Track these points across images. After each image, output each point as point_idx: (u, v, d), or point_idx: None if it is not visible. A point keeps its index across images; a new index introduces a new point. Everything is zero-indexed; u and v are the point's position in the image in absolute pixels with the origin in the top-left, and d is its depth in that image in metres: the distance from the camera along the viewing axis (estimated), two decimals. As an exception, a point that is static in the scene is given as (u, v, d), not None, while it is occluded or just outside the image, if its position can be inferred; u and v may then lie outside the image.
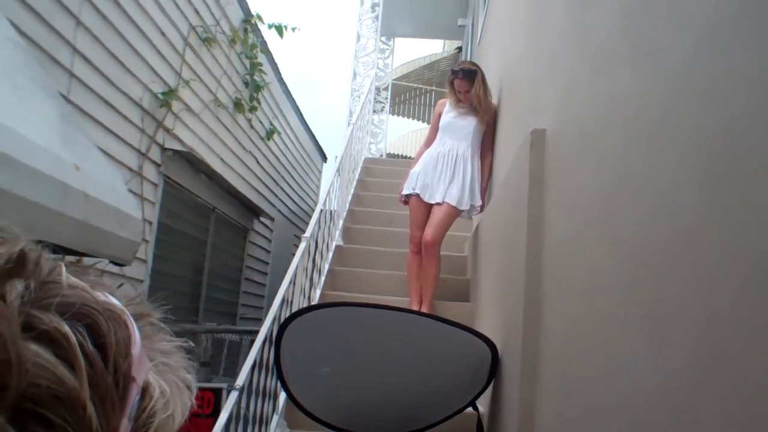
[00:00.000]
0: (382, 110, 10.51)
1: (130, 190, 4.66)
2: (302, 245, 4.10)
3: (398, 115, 15.27)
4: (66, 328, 0.32)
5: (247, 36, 6.89)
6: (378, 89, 10.30)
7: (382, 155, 10.09)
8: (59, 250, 2.17)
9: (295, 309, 3.63)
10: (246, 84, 7.15)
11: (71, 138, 2.42)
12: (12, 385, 0.29)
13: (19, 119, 1.97)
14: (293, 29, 6.94)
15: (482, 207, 4.66)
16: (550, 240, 2.29)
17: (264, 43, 7.53)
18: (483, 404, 3.30)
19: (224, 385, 3.75)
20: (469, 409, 3.22)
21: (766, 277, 0.82)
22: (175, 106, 5.39)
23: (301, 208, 10.43)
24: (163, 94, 5.16)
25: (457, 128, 4.79)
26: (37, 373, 0.30)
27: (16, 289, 0.32)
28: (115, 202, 2.57)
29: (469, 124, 4.75)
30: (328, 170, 11.53)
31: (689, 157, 1.11)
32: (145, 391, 0.38)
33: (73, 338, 0.32)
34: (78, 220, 2.10)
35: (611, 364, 1.47)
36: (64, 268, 0.36)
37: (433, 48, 14.50)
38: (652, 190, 1.29)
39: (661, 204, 1.24)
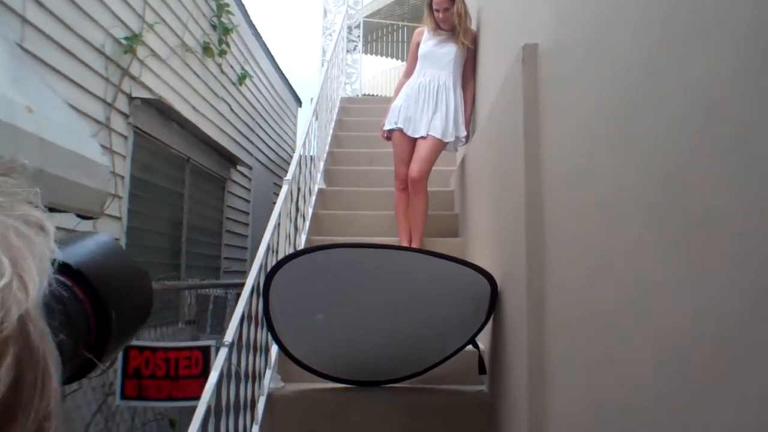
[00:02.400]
0: (354, 49, 10.41)
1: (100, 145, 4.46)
2: (284, 188, 3.96)
3: (371, 53, 15.16)
4: None
5: (212, -26, 6.61)
6: (350, 28, 10.13)
7: (358, 95, 9.96)
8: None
9: (281, 256, 3.51)
10: (214, 27, 6.90)
11: (23, 79, 2.20)
12: None
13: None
14: (259, -34, 6.66)
15: (467, 138, 4.54)
16: (550, 163, 2.18)
17: (230, -18, 7.25)
18: (483, 341, 3.26)
19: (212, 343, 3.63)
20: (469, 347, 3.20)
21: None
22: (141, 52, 5.14)
23: (278, 155, 10.25)
24: (126, 39, 4.90)
25: (437, 57, 4.63)
26: None
27: None
28: (76, 147, 2.36)
29: (450, 51, 4.60)
30: (304, 115, 11.37)
31: (712, 55, 0.98)
32: None
33: None
34: (34, 168, 1.92)
35: (634, 298, 1.34)
36: None
37: (402, -19, 14.20)
38: (676, 95, 1.15)
39: (684, 110, 1.11)
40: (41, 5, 3.84)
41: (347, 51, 9.79)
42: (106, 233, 0.60)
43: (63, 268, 0.48)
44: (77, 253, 0.52)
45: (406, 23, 13.82)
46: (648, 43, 1.32)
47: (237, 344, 2.88)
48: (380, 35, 14.95)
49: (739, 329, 0.91)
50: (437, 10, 4.55)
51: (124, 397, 3.45)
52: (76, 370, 0.47)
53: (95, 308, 0.49)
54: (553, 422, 2.01)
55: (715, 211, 0.99)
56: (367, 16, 12.45)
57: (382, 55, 15.32)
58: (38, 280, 0.31)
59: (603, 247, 1.59)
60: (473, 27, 4.66)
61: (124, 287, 0.56)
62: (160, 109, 5.53)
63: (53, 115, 2.30)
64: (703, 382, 1.01)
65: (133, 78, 5.07)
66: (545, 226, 2.17)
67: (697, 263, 1.05)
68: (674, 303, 1.13)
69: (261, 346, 3.32)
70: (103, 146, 4.49)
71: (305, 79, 11.22)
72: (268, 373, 3.36)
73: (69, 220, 3.12)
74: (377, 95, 14.40)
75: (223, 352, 2.69)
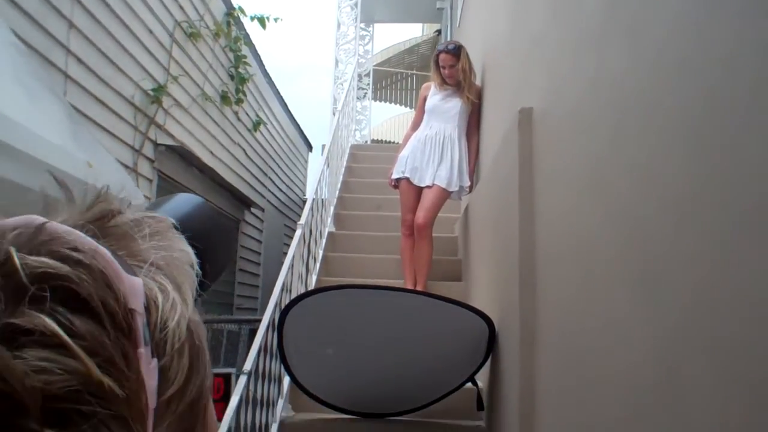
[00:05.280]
0: (364, 96, 10.55)
1: (126, 187, 4.75)
2: (298, 232, 4.18)
3: (380, 100, 15.27)
4: (48, 323, 0.30)
5: (231, 29, 6.96)
6: (360, 75, 10.33)
7: (367, 141, 10.15)
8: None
9: (294, 295, 3.70)
10: (231, 77, 7.21)
11: (81, 137, 2.51)
12: (29, 404, 0.28)
13: (34, 119, 2.06)
14: (275, 20, 7.01)
15: (471, 187, 4.75)
16: (541, 216, 2.37)
17: (247, 36, 7.59)
18: (482, 379, 3.41)
19: (233, 370, 3.84)
20: (469, 385, 3.34)
21: (743, 237, 0.93)
22: (165, 101, 5.46)
23: (289, 198, 10.50)
24: (153, 90, 5.23)
25: (443, 111, 4.87)
26: (46, 380, 0.28)
27: None
28: (126, 195, 2.66)
29: (455, 105, 4.84)
30: (314, 159, 11.62)
31: (673, 128, 1.21)
32: (149, 307, 0.35)
33: (57, 328, 0.30)
34: (82, 183, 2.18)
35: (606, 330, 1.57)
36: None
37: (412, 32, 14.56)
38: (641, 159, 1.38)
39: (649, 173, 1.33)
40: (81, 62, 4.18)
41: (357, 98, 10.00)
42: (191, 194, 0.65)
43: None
44: (179, 212, 0.57)
45: (414, 72, 14.08)
46: (611, 112, 1.58)
47: (254, 373, 3.10)
48: (389, 83, 15.14)
49: (691, 361, 1.16)
50: (443, 67, 4.82)
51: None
52: None
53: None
54: None
55: (659, 264, 1.25)
56: (377, 65, 12.67)
57: (391, 102, 15.45)
58: (191, 288, 0.41)
59: (576, 288, 1.83)
60: (478, 82, 4.90)
61: (216, 241, 0.62)
62: (182, 154, 5.84)
63: (106, 169, 2.60)
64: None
65: (158, 126, 5.38)
66: (537, 273, 2.37)
67: (651, 303, 1.29)
68: (636, 338, 1.37)
69: (274, 376, 3.52)
70: (129, 188, 4.80)
71: (317, 123, 11.47)
72: (280, 402, 3.57)
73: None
74: (386, 141, 14.66)
75: (242, 380, 2.92)
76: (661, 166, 1.28)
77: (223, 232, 0.66)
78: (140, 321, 0.34)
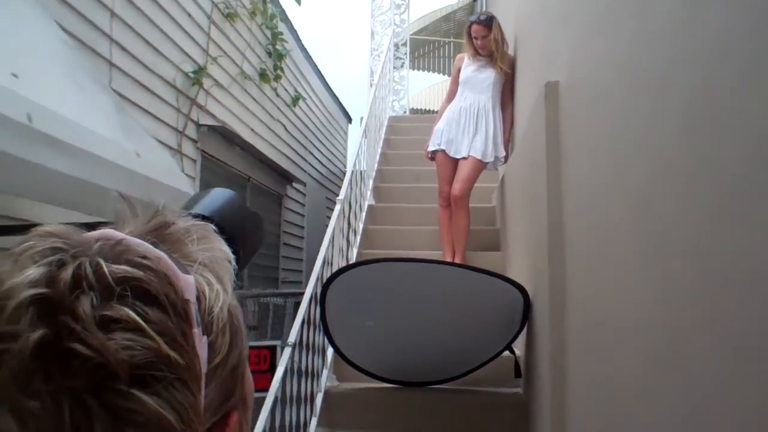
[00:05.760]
0: (402, 66, 10.47)
1: (171, 167, 4.94)
2: (337, 207, 4.28)
3: (419, 69, 15.19)
4: (130, 314, 0.40)
5: (266, 6, 7.04)
6: (396, 45, 10.29)
7: (405, 112, 10.16)
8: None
9: (335, 269, 3.82)
10: (269, 54, 7.31)
11: (128, 128, 2.66)
12: (119, 371, 0.38)
13: (85, 114, 2.22)
14: (310, -4, 7.07)
15: (506, 157, 4.79)
16: (567, 188, 2.44)
17: (283, 12, 7.66)
18: (519, 347, 3.49)
19: (278, 342, 4.01)
20: (506, 353, 3.43)
21: (742, 211, 1.00)
22: (206, 83, 5.60)
23: (330, 171, 10.60)
24: (193, 72, 5.36)
25: (477, 82, 4.91)
26: (130, 354, 0.39)
27: (82, 305, 0.40)
28: (172, 182, 2.83)
29: (489, 76, 4.87)
30: (354, 131, 11.65)
31: (679, 106, 1.28)
32: (199, 297, 0.46)
33: (136, 317, 0.40)
34: (144, 201, 2.34)
35: (620, 296, 1.65)
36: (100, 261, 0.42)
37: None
38: (651, 135, 1.44)
39: (655, 150, 1.40)
40: (124, 50, 4.34)
41: (394, 68, 10.01)
42: (223, 188, 0.77)
43: (205, 220, 0.61)
44: (214, 207, 0.69)
45: (451, 39, 13.99)
46: (625, 89, 1.65)
47: (298, 345, 3.24)
48: (427, 51, 15.10)
49: (693, 331, 1.24)
50: (476, 38, 4.86)
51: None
52: None
53: (229, 247, 0.62)
54: (571, 417, 2.26)
55: (667, 238, 1.33)
56: (413, 33, 12.62)
57: (428, 71, 15.39)
58: (230, 280, 0.51)
59: (597, 259, 1.91)
60: (510, 52, 4.93)
61: (246, 230, 0.72)
62: (223, 134, 5.99)
63: (153, 157, 2.75)
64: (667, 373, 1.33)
65: (200, 107, 5.53)
66: (565, 242, 2.45)
67: (658, 276, 1.38)
68: (645, 304, 1.46)
69: (318, 348, 3.67)
70: (176, 170, 4.99)
71: (355, 94, 11.49)
72: (325, 372, 3.71)
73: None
74: (425, 110, 14.62)
75: (287, 351, 3.07)
76: (663, 144, 1.35)
77: (252, 220, 0.77)
78: (193, 309, 0.44)
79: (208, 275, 0.48)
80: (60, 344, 0.38)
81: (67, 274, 0.40)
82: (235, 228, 0.67)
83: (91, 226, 0.47)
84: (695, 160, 1.19)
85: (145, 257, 0.44)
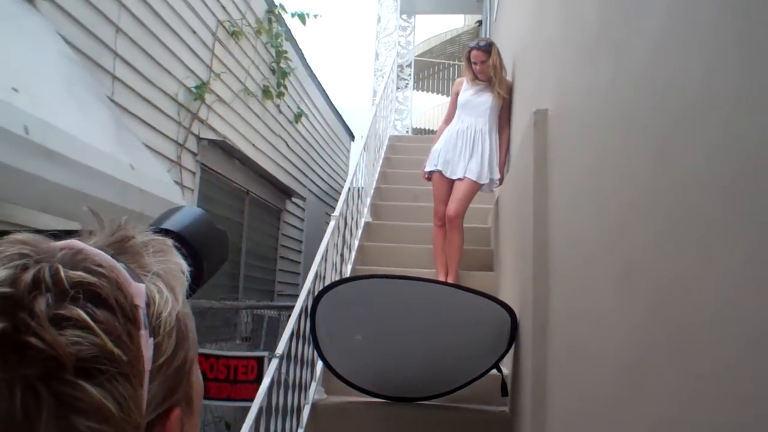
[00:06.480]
0: (406, 87, 10.62)
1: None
2: (331, 223, 4.34)
3: (423, 90, 15.33)
4: (81, 314, 0.45)
5: (272, 26, 7.14)
6: (401, 66, 10.42)
7: (408, 131, 10.24)
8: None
9: (327, 283, 3.85)
10: (273, 71, 7.41)
11: (125, 141, 2.75)
12: (67, 363, 0.43)
13: (84, 129, 2.30)
14: (315, 16, 7.19)
15: (501, 180, 4.84)
16: (553, 213, 2.50)
17: (288, 32, 7.77)
18: (507, 366, 3.51)
19: (266, 354, 4.06)
20: (494, 371, 3.45)
21: (701, 244, 1.07)
22: (208, 98, 5.70)
23: (331, 187, 10.67)
24: (196, 87, 5.45)
25: (475, 105, 4.98)
26: (78, 349, 0.44)
27: (39, 304, 0.45)
28: (164, 193, 2.91)
29: (486, 101, 4.95)
30: (356, 148, 11.72)
31: (649, 136, 1.34)
32: (149, 302, 0.50)
33: (86, 316, 0.45)
34: (136, 212, 2.42)
35: (595, 318, 1.71)
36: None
37: (454, 23, 14.57)
38: (623, 166, 1.51)
39: (628, 179, 1.48)
40: (127, 63, 4.43)
41: (398, 88, 10.11)
42: (193, 207, 0.83)
43: (173, 236, 0.68)
44: (182, 223, 0.75)
45: (456, 62, 14.08)
46: (602, 120, 1.72)
47: (287, 357, 3.28)
48: (432, 72, 15.21)
49: (656, 351, 1.31)
50: (474, 63, 4.94)
51: (191, 395, 3.93)
52: (187, 296, 0.72)
53: (195, 261, 0.69)
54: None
55: (636, 262, 1.40)
56: (419, 55, 12.73)
57: (433, 92, 15.54)
58: (182, 290, 0.56)
59: (576, 281, 1.97)
60: (509, 78, 5.00)
61: (210, 245, 0.77)
62: (224, 148, 6.08)
63: (147, 170, 2.84)
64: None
65: (201, 121, 5.62)
66: (549, 265, 2.50)
67: (627, 297, 1.44)
68: (615, 326, 1.52)
69: (307, 360, 3.70)
70: (174, 181, 5.05)
71: (359, 112, 11.57)
72: (313, 385, 3.74)
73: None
74: (428, 129, 14.69)
75: (274, 362, 3.12)
76: (634, 174, 1.42)
77: (218, 237, 0.82)
78: (142, 313, 0.49)
79: (160, 284, 0.53)
80: (17, 337, 0.44)
81: (28, 276, 0.46)
82: (200, 243, 0.74)
83: (59, 236, 0.53)
84: (658, 192, 1.26)
85: (100, 265, 0.49)
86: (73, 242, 0.51)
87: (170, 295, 0.53)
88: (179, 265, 0.59)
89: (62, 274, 0.47)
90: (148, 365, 0.49)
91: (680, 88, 1.18)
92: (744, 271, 0.88)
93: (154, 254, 0.56)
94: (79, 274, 0.47)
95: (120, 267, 0.50)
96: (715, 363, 0.96)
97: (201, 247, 0.73)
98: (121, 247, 0.54)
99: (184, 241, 0.71)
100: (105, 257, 0.50)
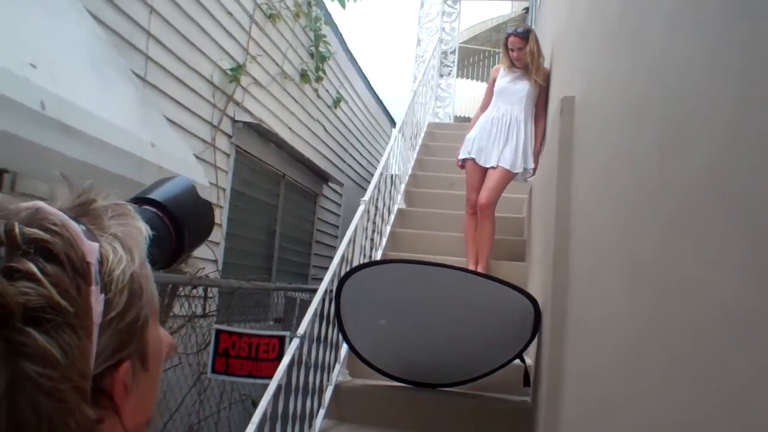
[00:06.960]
0: (449, 74, 10.55)
1: (204, 160, 5.07)
2: (361, 208, 4.37)
3: (467, 77, 15.24)
4: (31, 267, 0.48)
5: (311, 9, 7.16)
6: (445, 53, 10.36)
7: (450, 119, 10.18)
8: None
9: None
10: (311, 55, 7.42)
11: (148, 119, 2.79)
12: (15, 311, 0.46)
13: (104, 106, 2.34)
14: (355, 0, 7.18)
15: (535, 170, 4.79)
16: (575, 202, 2.48)
17: (328, 15, 7.77)
18: (530, 357, 3.53)
19: (287, 333, 4.11)
20: (517, 361, 3.46)
21: (694, 235, 1.04)
22: (244, 80, 5.73)
23: (369, 173, 10.64)
24: (231, 70, 5.49)
25: (511, 93, 4.94)
26: (26, 299, 0.47)
27: None
28: (185, 171, 2.94)
29: (523, 88, 4.90)
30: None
31: (662, 127, 1.31)
32: (102, 260, 0.53)
33: (36, 270, 0.48)
34: (80, 182, 2.45)
35: (602, 314, 1.70)
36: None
37: (500, 9, 14.41)
38: (633, 156, 1.49)
39: (639, 171, 1.45)
40: (161, 44, 4.49)
41: (441, 75, 10.06)
42: (185, 177, 0.85)
43: (157, 205, 0.74)
44: (168, 193, 0.78)
45: (501, 50, 13.91)
46: (618, 110, 1.69)
47: (309, 337, 3.32)
48: (476, 60, 15.11)
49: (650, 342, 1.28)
50: (512, 49, 4.90)
51: (214, 371, 4.04)
52: (167, 264, 0.77)
53: (176, 230, 0.75)
54: (564, 428, 2.30)
55: (643, 262, 1.37)
56: (463, 42, 12.65)
57: (476, 80, 15.45)
58: (140, 251, 0.58)
59: (590, 273, 1.95)
60: (546, 65, 4.94)
61: (194, 215, 0.80)
62: (259, 130, 6.12)
63: (169, 148, 2.87)
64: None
65: (236, 103, 5.67)
66: (570, 255, 2.48)
67: (633, 294, 1.41)
68: (626, 325, 1.50)
69: (332, 342, 3.73)
70: (208, 162, 5.11)
71: (402, 99, 11.56)
72: (337, 367, 3.79)
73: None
74: (470, 117, 14.59)
75: (295, 342, 3.15)
76: (644, 166, 1.39)
77: (202, 210, 0.85)
78: (94, 269, 0.52)
79: (116, 244, 0.56)
80: None
81: None
82: (182, 213, 0.77)
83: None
84: (664, 186, 1.23)
85: (54, 224, 0.51)
86: (37, 203, 0.54)
87: (126, 255, 0.56)
88: (139, 229, 0.61)
89: (17, 230, 0.49)
90: (98, 319, 0.51)
91: (688, 79, 1.14)
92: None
93: (114, 218, 0.59)
94: (34, 231, 0.50)
95: (75, 226, 0.53)
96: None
97: (183, 217, 0.76)
98: (82, 210, 0.57)
99: (165, 210, 0.75)
100: (61, 216, 0.53)
